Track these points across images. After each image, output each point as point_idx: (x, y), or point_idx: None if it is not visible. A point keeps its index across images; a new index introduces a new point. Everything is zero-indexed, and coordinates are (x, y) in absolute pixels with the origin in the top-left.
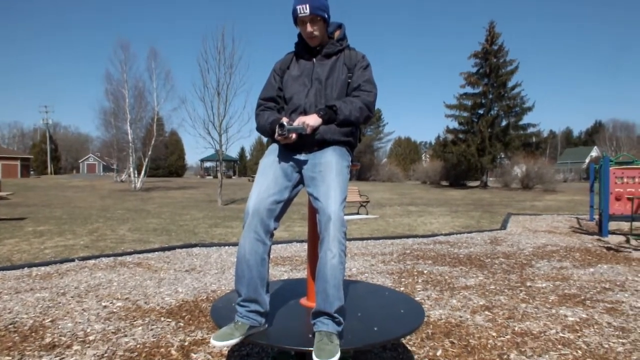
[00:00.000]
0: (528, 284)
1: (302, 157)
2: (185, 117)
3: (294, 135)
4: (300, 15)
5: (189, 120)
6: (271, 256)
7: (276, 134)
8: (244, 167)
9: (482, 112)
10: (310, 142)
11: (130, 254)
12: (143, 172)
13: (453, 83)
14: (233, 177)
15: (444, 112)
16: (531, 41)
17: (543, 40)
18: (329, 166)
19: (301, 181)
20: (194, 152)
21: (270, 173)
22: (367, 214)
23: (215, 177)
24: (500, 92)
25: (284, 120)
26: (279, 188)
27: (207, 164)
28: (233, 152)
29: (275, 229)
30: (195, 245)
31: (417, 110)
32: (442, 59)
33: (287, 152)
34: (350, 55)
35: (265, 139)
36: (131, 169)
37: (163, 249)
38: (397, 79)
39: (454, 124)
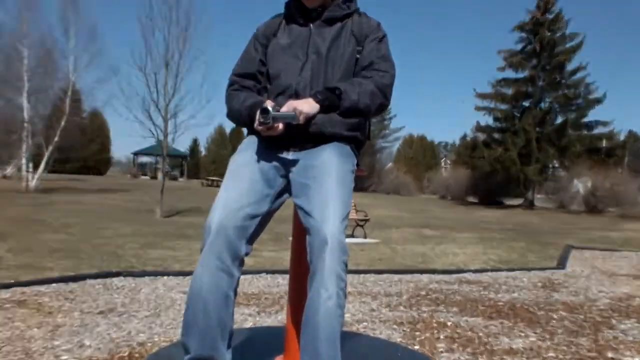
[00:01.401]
0: (609, 354)
1: (290, 156)
2: (116, 92)
3: (280, 125)
4: None
5: (121, 97)
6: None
7: (256, 122)
8: (196, 165)
9: (527, 105)
10: (303, 135)
11: (8, 286)
12: (42, 166)
13: (487, 65)
14: (180, 179)
15: (473, 104)
16: (601, 11)
17: (618, 9)
18: (327, 170)
19: (287, 189)
20: (125, 142)
21: (245, 176)
22: (365, 237)
23: (155, 177)
24: (556, 77)
25: (268, 105)
26: (256, 197)
27: (143, 159)
28: (182, 145)
29: (247, 254)
30: (117, 275)
31: (436, 100)
32: (472, 32)
33: (270, 148)
34: (361, 23)
35: (230, 128)
36: (23, 160)
37: (65, 280)
38: (410, 59)
39: (488, 120)
